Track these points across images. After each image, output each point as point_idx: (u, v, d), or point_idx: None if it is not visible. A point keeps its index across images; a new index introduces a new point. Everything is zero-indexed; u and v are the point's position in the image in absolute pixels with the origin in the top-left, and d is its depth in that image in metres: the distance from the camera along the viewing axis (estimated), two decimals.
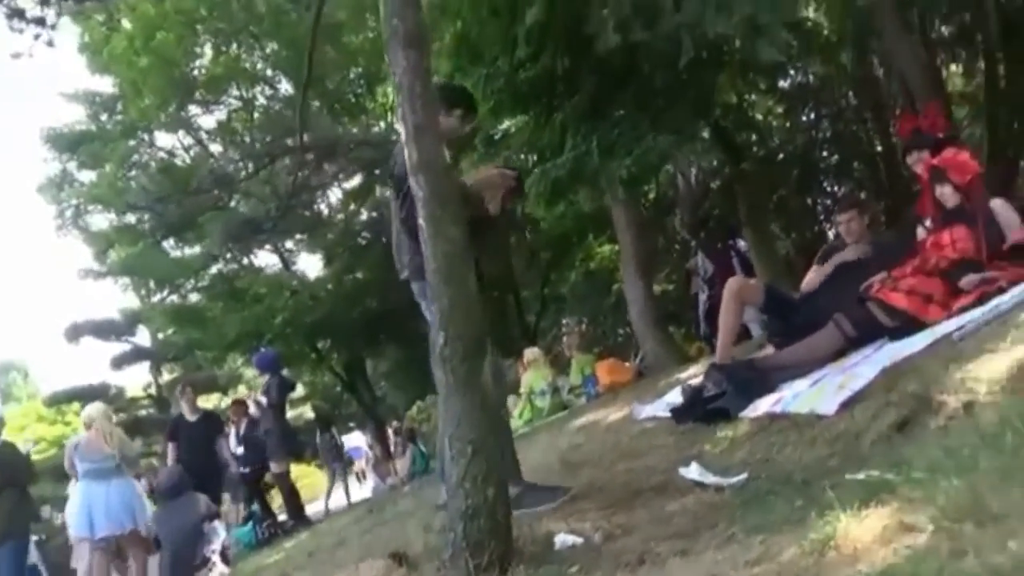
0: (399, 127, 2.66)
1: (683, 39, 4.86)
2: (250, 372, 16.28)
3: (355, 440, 19.37)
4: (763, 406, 3.31)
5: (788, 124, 15.13)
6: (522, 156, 7.15)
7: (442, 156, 2.56)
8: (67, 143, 14.56)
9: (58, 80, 42.23)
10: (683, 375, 5.98)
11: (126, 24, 12.67)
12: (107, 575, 6.07)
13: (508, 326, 15.72)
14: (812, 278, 4.74)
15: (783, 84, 12.86)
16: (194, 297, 16.14)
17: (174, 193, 12.25)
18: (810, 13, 6.88)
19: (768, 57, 4.75)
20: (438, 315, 2.44)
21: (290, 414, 11.71)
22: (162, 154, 15.53)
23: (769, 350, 4.53)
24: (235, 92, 15.14)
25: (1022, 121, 12.77)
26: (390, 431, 20.55)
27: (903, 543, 1.29)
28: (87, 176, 15.27)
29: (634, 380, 8.33)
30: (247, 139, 13.81)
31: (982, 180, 4.26)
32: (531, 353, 9.06)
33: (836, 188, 16.18)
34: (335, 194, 16.64)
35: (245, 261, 16.38)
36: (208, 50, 14.14)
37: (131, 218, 14.27)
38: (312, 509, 10.02)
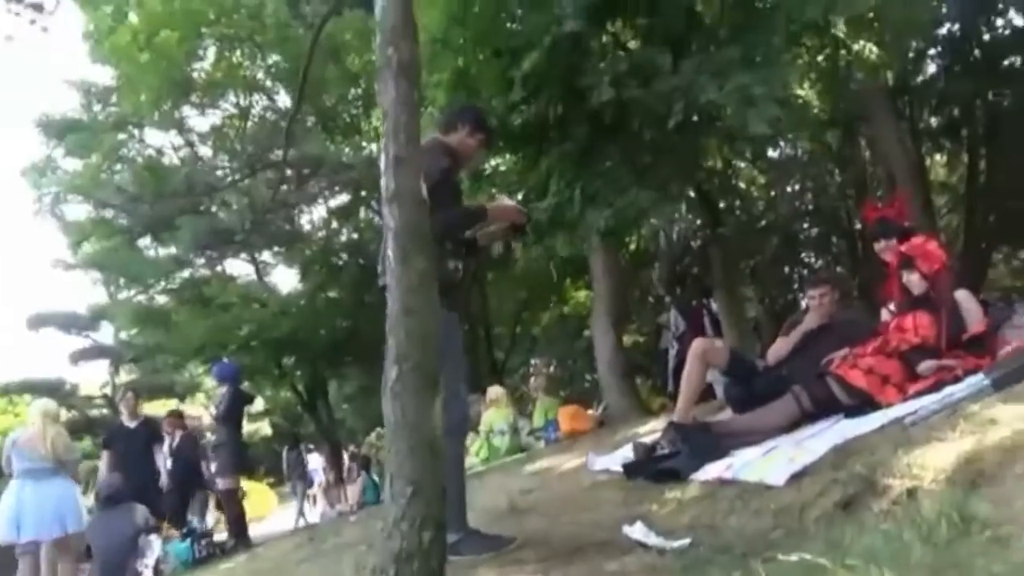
0: (380, 154, 2.66)
1: (675, 101, 4.95)
2: (210, 381, 15.98)
3: (312, 462, 19.07)
4: (714, 471, 3.32)
5: (773, 193, 15.43)
6: (506, 195, 7.21)
7: (418, 188, 2.55)
8: (57, 129, 14.40)
9: (56, 66, 41.95)
10: (643, 429, 5.99)
11: (133, 17, 12.67)
12: None
13: (477, 361, 15.64)
14: (779, 347, 4.81)
15: (772, 154, 13.16)
16: (162, 299, 15.89)
17: (152, 192, 12.11)
18: (802, 91, 7.05)
19: (757, 129, 4.84)
20: (394, 347, 2.41)
21: (248, 428, 11.51)
22: (151, 151, 15.41)
23: (727, 414, 4.56)
24: (232, 98, 15.15)
25: (999, 215, 13.15)
26: (346, 456, 20.25)
27: None
28: (72, 165, 15.10)
29: (595, 429, 8.30)
30: (238, 147, 13.76)
31: (949, 270, 4.35)
32: (494, 392, 9.00)
33: (814, 260, 16.50)
34: (319, 211, 16.61)
35: (219, 268, 16.19)
36: (210, 54, 14.15)
37: (108, 212, 14.07)
38: (259, 530, 9.79)
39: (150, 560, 6.47)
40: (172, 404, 22.15)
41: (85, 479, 8.27)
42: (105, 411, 21.24)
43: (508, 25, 6.26)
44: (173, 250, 14.20)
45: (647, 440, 4.34)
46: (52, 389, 19.19)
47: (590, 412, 9.43)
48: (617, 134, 5.82)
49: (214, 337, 13.06)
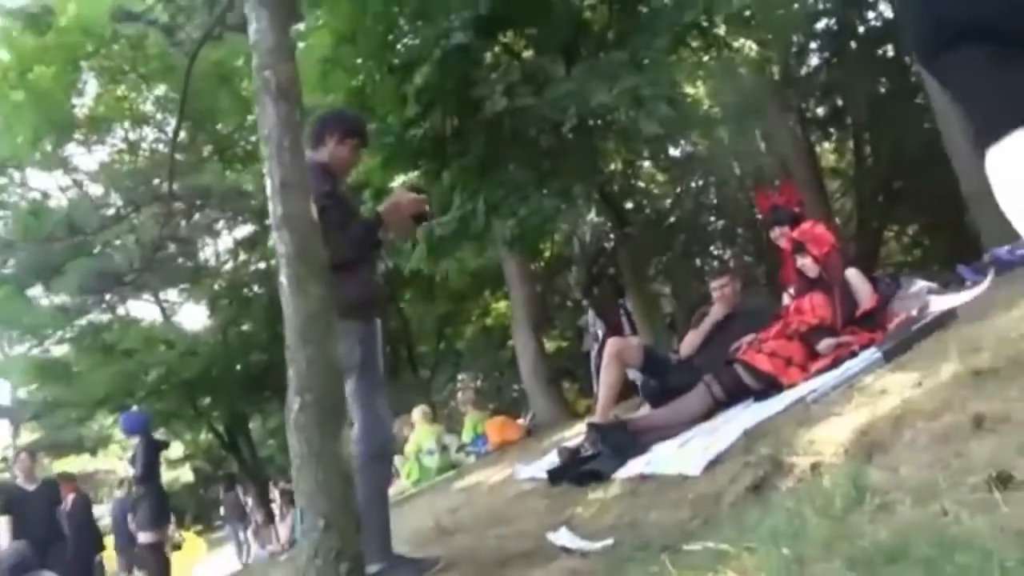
0: (266, 180, 2.57)
1: (568, 106, 5.03)
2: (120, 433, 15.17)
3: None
4: (635, 467, 3.35)
5: (679, 190, 15.89)
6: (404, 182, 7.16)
7: (309, 212, 2.48)
8: None
9: None
10: (570, 433, 6.03)
11: (2, 54, 11.94)
12: None
13: (402, 381, 15.44)
14: (690, 340, 4.93)
15: (674, 152, 13.56)
16: (60, 350, 14.99)
17: (35, 237, 11.41)
18: (692, 89, 7.32)
19: (648, 129, 4.97)
20: (294, 378, 2.32)
21: (168, 476, 11.00)
22: (35, 194, 14.57)
23: (645, 410, 4.64)
24: (120, 133, 14.48)
25: (887, 195, 13.95)
26: (276, 492, 19.56)
27: None
28: None
29: (524, 438, 8.31)
30: (129, 183, 13.14)
31: (839, 251, 4.55)
32: (418, 411, 8.90)
33: (722, 252, 17.08)
34: (224, 242, 16.06)
35: (120, 311, 15.41)
36: (91, 88, 13.49)
37: None
38: None
39: None
40: (83, 460, 20.97)
41: None
42: (7, 475, 19.84)
43: (399, 41, 6.23)
44: (65, 298, 13.41)
45: (572, 444, 4.36)
46: None
47: (519, 421, 9.44)
48: (515, 143, 5.88)
49: (120, 385, 12.38)
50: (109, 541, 9.28)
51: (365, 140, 3.33)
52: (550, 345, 13.83)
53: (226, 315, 13.90)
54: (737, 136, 13.49)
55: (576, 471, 3.67)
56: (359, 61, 6.13)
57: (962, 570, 1.01)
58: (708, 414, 3.76)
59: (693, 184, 16.01)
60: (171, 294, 16.28)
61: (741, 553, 1.46)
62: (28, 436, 19.61)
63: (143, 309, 16.39)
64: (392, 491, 8.05)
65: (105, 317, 15.08)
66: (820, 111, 14.52)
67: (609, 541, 2.61)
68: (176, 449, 23.44)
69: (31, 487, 6.86)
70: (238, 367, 13.68)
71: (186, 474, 29.58)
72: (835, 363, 3.45)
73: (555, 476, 3.85)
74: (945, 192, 9.34)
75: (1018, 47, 1.75)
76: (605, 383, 4.65)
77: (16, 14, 11.90)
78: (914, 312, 3.61)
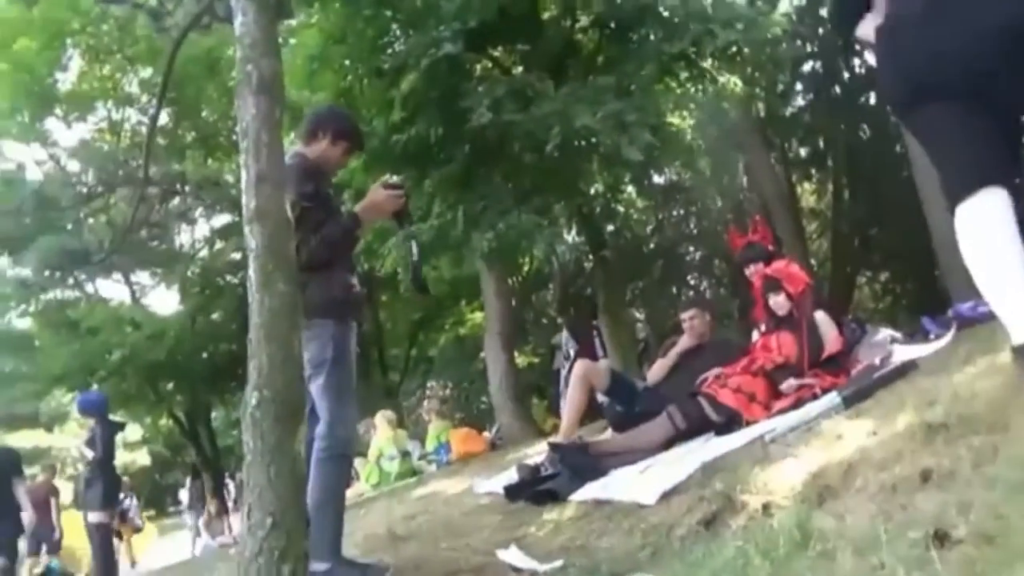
0: (242, 173, 2.55)
1: (552, 126, 5.06)
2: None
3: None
4: (591, 491, 3.35)
5: (659, 217, 16.01)
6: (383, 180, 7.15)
7: (282, 208, 2.46)
8: None
9: None
10: (533, 450, 6.02)
11: None
12: None
13: (370, 384, 15.33)
14: (657, 368, 4.97)
15: (658, 180, 13.67)
16: (23, 323, 14.71)
17: (2, 209, 11.21)
18: (676, 120, 7.42)
19: (629, 155, 5.01)
20: (254, 374, 2.29)
21: (125, 458, 10.85)
22: (10, 165, 14.30)
23: (608, 434, 4.65)
24: (102, 112, 14.30)
25: (862, 240, 14.17)
26: (232, 485, 19.29)
27: None
28: None
29: (487, 451, 8.30)
30: (106, 163, 12.95)
31: (811, 291, 4.60)
32: (382, 416, 8.84)
33: (698, 282, 17.21)
34: (200, 230, 15.89)
35: (89, 289, 15.17)
36: (76, 64, 13.32)
37: None
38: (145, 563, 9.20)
39: None
40: (37, 434, 20.53)
41: None
42: None
43: (389, 46, 6.24)
44: (29, 271, 13.18)
45: (532, 462, 4.36)
46: None
47: (484, 434, 9.42)
48: (498, 157, 5.91)
49: (81, 363, 12.18)
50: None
51: (358, 145, 3.28)
52: (522, 360, 13.84)
53: (196, 302, 13.74)
54: (719, 169, 13.66)
55: (533, 489, 3.67)
56: (347, 62, 6.14)
57: None
58: (669, 443, 3.77)
59: (674, 213, 16.16)
60: (142, 276, 16.12)
61: None
62: None
63: (112, 289, 16.12)
64: (350, 493, 8.01)
65: (72, 294, 14.84)
66: (802, 151, 14.75)
67: (558, 563, 2.60)
68: (134, 432, 23.09)
69: None
70: (204, 355, 13.53)
71: (143, 457, 29.14)
72: (797, 403, 3.49)
73: (512, 492, 3.85)
74: (918, 242, 9.50)
75: (975, 101, 1.85)
76: (570, 404, 4.67)
77: None
78: (877, 360, 3.66)
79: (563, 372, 9.09)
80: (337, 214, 3.04)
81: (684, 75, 6.75)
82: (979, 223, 1.79)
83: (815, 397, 3.47)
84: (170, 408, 16.31)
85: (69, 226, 12.44)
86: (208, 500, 15.29)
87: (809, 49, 11.80)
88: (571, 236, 12.29)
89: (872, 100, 12.51)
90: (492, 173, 5.96)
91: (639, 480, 3.22)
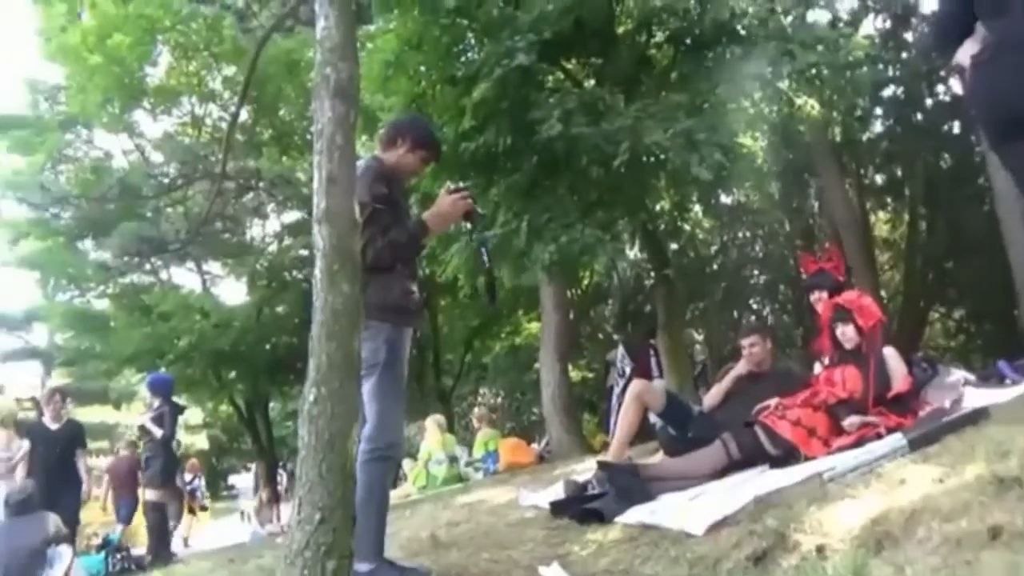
0: (314, 173, 2.61)
1: (621, 141, 5.02)
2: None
3: (250, 480, 18.60)
4: (638, 514, 3.29)
5: (725, 238, 15.73)
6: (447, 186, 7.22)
7: (350, 209, 2.51)
8: None
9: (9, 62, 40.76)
10: (581, 466, 5.96)
11: (86, 18, 12.40)
12: None
13: (423, 387, 15.48)
14: (713, 394, 4.87)
15: (725, 200, 13.43)
16: (100, 304, 15.37)
17: (91, 193, 11.77)
18: (749, 141, 7.28)
19: (698, 173, 4.94)
20: (313, 371, 2.35)
21: (186, 440, 11.23)
22: (98, 153, 15.03)
23: (659, 457, 4.57)
24: (186, 106, 14.88)
25: (937, 275, 13.62)
26: (284, 475, 19.69)
27: None
28: (15, 161, 14.60)
29: (535, 463, 8.26)
30: (187, 156, 13.47)
31: (882, 327, 4.44)
32: (432, 419, 8.90)
33: (761, 307, 16.81)
34: (272, 225, 16.35)
35: (164, 276, 15.78)
36: (165, 60, 13.93)
37: (47, 211, 13.63)
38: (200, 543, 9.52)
39: (57, 572, 6.17)
40: (106, 411, 21.41)
41: None
42: (32, 414, 20.33)
43: (463, 55, 6.32)
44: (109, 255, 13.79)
45: (580, 478, 4.31)
46: None
47: (533, 446, 9.39)
48: (565, 169, 5.89)
49: (151, 346, 12.67)
50: None
51: (435, 155, 3.30)
52: (575, 374, 13.76)
53: (263, 294, 14.14)
54: (790, 192, 13.33)
55: (579, 507, 3.62)
56: (422, 69, 6.24)
57: None
58: (722, 472, 3.68)
59: (740, 235, 15.85)
60: (214, 267, 16.63)
61: None
62: (56, 381, 20.17)
63: (185, 277, 16.73)
64: (397, 494, 8.10)
65: (148, 279, 15.45)
66: (878, 179, 14.28)
67: None
68: (195, 416, 23.86)
69: (55, 426, 6.98)
70: (267, 346, 13.88)
71: (201, 441, 30.04)
72: (859, 442, 3.36)
73: (557, 508, 3.81)
74: (997, 280, 9.09)
75: None
76: (623, 423, 4.62)
77: None
78: (947, 403, 3.51)
79: (616, 389, 9.00)
80: (406, 219, 3.07)
81: (759, 95, 6.63)
82: None
83: (879, 437, 3.34)
84: (231, 395, 16.78)
85: (149, 214, 12.98)
86: (260, 488, 15.68)
87: (891, 73, 11.43)
88: (633, 252, 12.17)
89: (956, 129, 12.03)
90: (558, 185, 5.96)
91: (688, 508, 3.15)
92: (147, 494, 7.62)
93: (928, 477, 2.32)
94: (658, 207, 7.97)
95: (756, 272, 16.41)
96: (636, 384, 4.72)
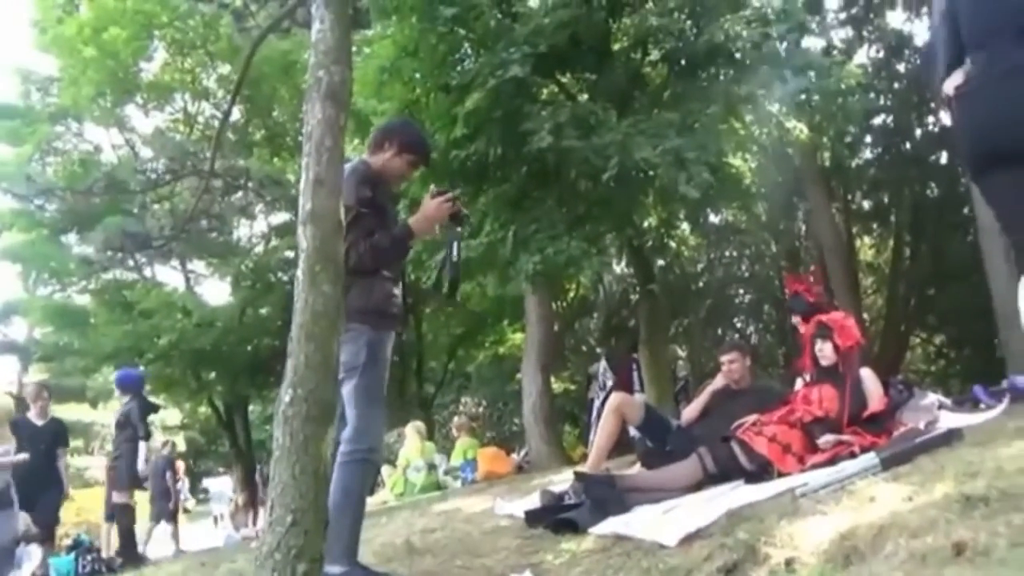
0: (301, 174, 2.62)
1: (611, 156, 5.06)
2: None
3: (222, 484, 18.40)
4: (612, 525, 3.30)
5: (711, 257, 15.84)
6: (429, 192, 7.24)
7: (336, 212, 2.52)
8: None
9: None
10: (559, 477, 5.97)
11: (83, 10, 12.38)
12: None
13: (405, 393, 15.42)
14: (691, 409, 4.92)
15: (713, 219, 13.53)
16: (82, 299, 15.21)
17: (76, 186, 11.69)
18: (737, 161, 7.37)
19: (686, 191, 4.99)
20: (291, 371, 2.35)
21: (163, 441, 11.08)
22: (88, 146, 14.93)
23: (636, 469, 4.59)
24: (179, 103, 14.84)
25: (919, 300, 13.78)
26: (260, 479, 19.50)
27: None
28: (3, 151, 14.48)
29: (513, 473, 8.26)
30: (176, 152, 13.40)
31: (860, 348, 4.49)
32: (412, 426, 8.89)
33: (745, 326, 16.92)
34: (259, 225, 16.28)
35: (148, 273, 15.63)
36: (160, 56, 13.89)
37: (32, 203, 13.52)
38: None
39: (25, 572, 6.09)
40: (82, 409, 21.14)
41: None
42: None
43: (458, 64, 6.36)
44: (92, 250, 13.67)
45: (557, 489, 4.33)
46: None
47: (512, 456, 9.39)
48: (554, 182, 5.93)
49: (131, 343, 12.52)
50: None
51: (423, 159, 3.29)
52: (558, 386, 13.76)
53: (246, 295, 14.02)
54: (777, 214, 13.45)
55: (554, 517, 3.63)
56: (417, 75, 6.27)
57: None
58: (697, 486, 3.70)
59: (727, 254, 15.97)
60: (198, 266, 16.48)
61: None
62: (34, 377, 19.91)
63: (169, 275, 16.57)
64: (374, 500, 8.05)
65: (131, 276, 15.30)
66: (865, 204, 14.46)
67: None
68: (173, 417, 23.60)
69: (40, 422, 6.88)
70: (248, 348, 13.77)
71: (179, 442, 29.68)
72: (832, 460, 3.40)
73: (532, 518, 3.82)
74: (978, 308, 9.21)
75: None
76: (601, 435, 4.65)
77: None
78: (921, 425, 3.56)
79: (597, 402, 9.03)
80: (391, 224, 3.07)
81: (750, 117, 6.72)
82: None
83: (852, 455, 3.38)
84: (210, 397, 16.60)
85: (135, 210, 12.86)
86: (236, 491, 15.55)
87: (882, 103, 11.61)
88: (620, 267, 12.22)
89: (943, 159, 12.22)
90: (546, 197, 6.00)
91: (662, 520, 3.17)
92: (114, 496, 7.52)
93: (897, 495, 2.35)
94: (645, 223, 8.03)
95: (741, 291, 16.53)
96: (615, 397, 4.76)
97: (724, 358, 4.83)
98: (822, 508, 2.54)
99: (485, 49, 5.97)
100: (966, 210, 10.55)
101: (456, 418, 11.99)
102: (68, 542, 8.47)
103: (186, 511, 13.62)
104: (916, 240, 13.41)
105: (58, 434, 7.04)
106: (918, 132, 12.40)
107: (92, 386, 18.90)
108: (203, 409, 20.49)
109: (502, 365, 17.54)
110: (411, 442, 8.59)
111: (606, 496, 3.60)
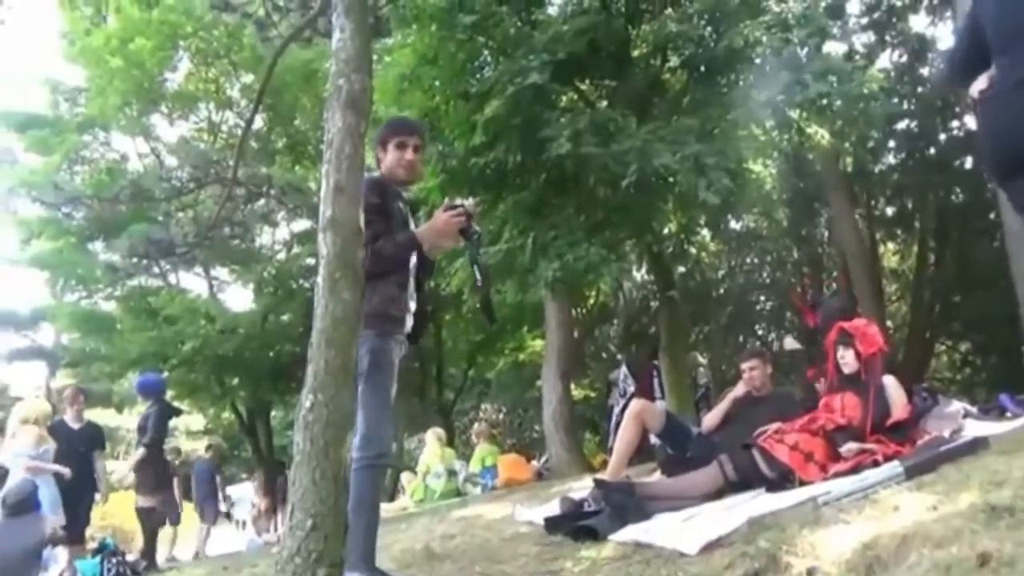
0: (322, 182, 2.65)
1: (630, 162, 5.06)
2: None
3: (244, 490, 18.52)
4: (633, 532, 3.28)
5: (732, 263, 15.73)
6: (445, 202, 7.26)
7: (355, 219, 2.55)
8: (18, 123, 14.09)
9: (32, 62, 41.34)
10: (579, 484, 5.95)
11: (110, 21, 12.63)
12: None
13: (425, 400, 15.45)
14: (711, 416, 4.88)
15: (734, 225, 13.45)
16: (108, 306, 15.44)
17: (104, 195, 11.89)
18: (758, 167, 7.31)
19: (706, 198, 4.97)
20: (311, 377, 2.37)
21: (186, 447, 11.23)
22: (114, 155, 15.18)
23: (656, 476, 4.57)
24: (203, 112, 15.05)
25: (944, 307, 13.59)
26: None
27: None
28: (32, 160, 14.76)
29: (533, 480, 8.25)
30: (199, 161, 13.58)
31: (883, 356, 4.44)
32: (432, 433, 8.90)
33: (766, 332, 16.77)
34: (281, 233, 16.44)
35: (172, 279, 15.85)
36: (185, 66, 14.12)
37: (60, 211, 13.76)
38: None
39: (52, 575, 6.17)
40: (108, 414, 21.40)
41: None
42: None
43: (478, 72, 6.39)
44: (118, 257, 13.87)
45: (577, 496, 4.31)
46: None
47: (532, 463, 9.37)
48: (573, 188, 5.94)
49: (156, 349, 12.70)
50: None
51: (401, 132, 3.10)
52: (578, 393, 13.73)
53: (268, 302, 14.16)
54: (799, 220, 13.34)
55: (574, 524, 3.62)
56: (437, 83, 6.31)
57: None
58: (718, 494, 3.68)
59: (748, 260, 15.86)
60: (221, 272, 16.67)
61: None
62: (61, 382, 20.20)
63: (192, 281, 16.77)
64: (395, 506, 8.07)
65: (156, 282, 15.51)
66: (889, 210, 14.29)
67: None
68: (197, 422, 23.83)
69: (76, 426, 6.97)
70: (270, 354, 13.87)
71: (202, 448, 29.86)
72: (855, 468, 3.36)
73: (552, 525, 3.80)
74: (1004, 315, 9.06)
75: None
76: (621, 442, 4.62)
77: None
78: (946, 433, 3.51)
79: (617, 409, 9.00)
80: (397, 230, 3.04)
81: (770, 123, 6.68)
82: None
83: (875, 464, 3.34)
84: (233, 402, 16.76)
85: (160, 218, 13.05)
86: (259, 496, 15.62)
87: (905, 107, 11.49)
88: (640, 274, 12.17)
89: (968, 164, 12.05)
90: (565, 203, 6.01)
91: (683, 528, 3.15)
92: (138, 501, 7.59)
93: (922, 504, 2.32)
94: (665, 229, 7.99)
95: (762, 298, 16.39)
96: (635, 403, 4.73)
97: (745, 365, 4.80)
98: (844, 517, 2.50)
99: (504, 56, 6.00)
100: (992, 215, 10.40)
101: (476, 424, 11.97)
102: (93, 545, 8.56)
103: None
104: (941, 246, 13.23)
105: (95, 437, 7.13)
106: (942, 136, 12.25)
107: (118, 391, 19.13)
108: (226, 414, 20.67)
109: (522, 372, 17.52)
110: (431, 448, 8.60)
111: (626, 503, 3.58)
